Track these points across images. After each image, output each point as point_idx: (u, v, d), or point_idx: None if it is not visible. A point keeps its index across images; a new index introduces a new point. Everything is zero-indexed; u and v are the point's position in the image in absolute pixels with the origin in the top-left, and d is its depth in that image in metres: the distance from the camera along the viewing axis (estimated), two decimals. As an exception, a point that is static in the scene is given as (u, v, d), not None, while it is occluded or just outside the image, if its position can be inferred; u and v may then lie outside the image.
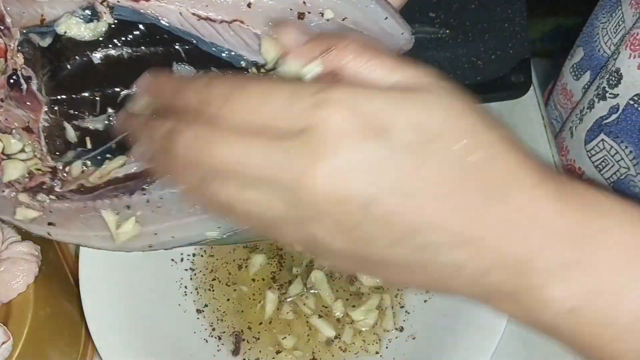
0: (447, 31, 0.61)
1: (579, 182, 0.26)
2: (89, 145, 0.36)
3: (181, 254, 0.48)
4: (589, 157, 0.57)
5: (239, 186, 0.25)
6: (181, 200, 0.36)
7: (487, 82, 0.60)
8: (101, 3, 0.35)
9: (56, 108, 0.36)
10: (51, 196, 0.37)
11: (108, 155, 0.37)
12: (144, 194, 0.37)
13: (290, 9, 0.34)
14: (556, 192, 0.25)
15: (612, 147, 0.54)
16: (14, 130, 0.37)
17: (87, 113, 0.36)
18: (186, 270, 0.48)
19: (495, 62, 0.60)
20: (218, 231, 0.37)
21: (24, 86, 0.36)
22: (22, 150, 0.37)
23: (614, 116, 0.52)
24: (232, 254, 0.48)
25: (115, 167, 0.37)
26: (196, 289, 0.47)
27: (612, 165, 0.55)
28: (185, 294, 0.47)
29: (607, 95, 0.52)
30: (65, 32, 0.35)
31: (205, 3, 0.35)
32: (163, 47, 0.36)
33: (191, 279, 0.47)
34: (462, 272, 0.25)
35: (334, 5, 0.35)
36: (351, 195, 0.23)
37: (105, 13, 0.35)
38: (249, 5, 0.35)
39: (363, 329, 0.46)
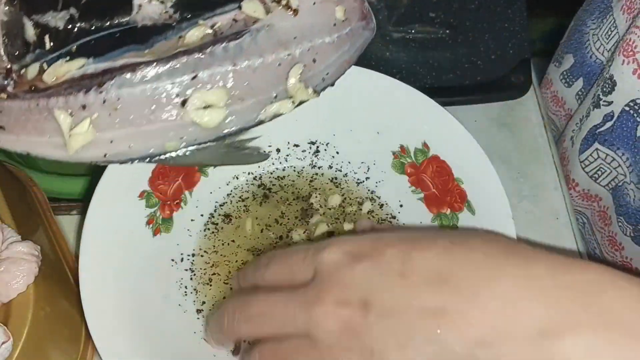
0: (447, 31, 0.61)
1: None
2: (47, 45, 0.35)
3: (181, 254, 0.48)
4: (583, 168, 0.57)
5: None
6: (140, 103, 0.34)
7: (487, 82, 0.60)
8: None
9: (16, 1, 0.34)
10: (2, 94, 0.35)
11: (67, 58, 0.35)
12: (101, 92, 0.34)
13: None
14: None
15: (607, 155, 0.54)
16: None
17: (48, 8, 0.34)
18: (186, 270, 0.48)
19: (495, 62, 0.60)
20: (179, 142, 0.35)
21: None
22: None
23: (608, 124, 0.52)
24: (234, 256, 0.48)
25: (73, 68, 0.34)
26: (195, 289, 0.47)
27: (610, 172, 0.55)
28: (185, 294, 0.47)
29: (601, 103, 0.52)
30: None
31: None
32: None
33: (191, 279, 0.47)
34: None
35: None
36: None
37: None
38: None
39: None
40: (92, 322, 0.41)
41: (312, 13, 0.37)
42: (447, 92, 0.58)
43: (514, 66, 0.60)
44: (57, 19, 0.35)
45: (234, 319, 0.36)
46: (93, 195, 0.43)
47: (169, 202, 0.47)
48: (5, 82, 0.35)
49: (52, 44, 0.35)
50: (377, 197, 0.52)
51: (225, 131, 0.36)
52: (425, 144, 0.49)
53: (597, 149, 0.54)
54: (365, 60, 0.49)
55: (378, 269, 0.31)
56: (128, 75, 0.34)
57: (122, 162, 0.36)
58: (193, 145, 0.35)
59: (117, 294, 0.43)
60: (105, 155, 0.35)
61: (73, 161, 0.35)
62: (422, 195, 0.50)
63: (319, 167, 0.52)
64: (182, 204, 0.49)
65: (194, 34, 0.35)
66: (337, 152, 0.52)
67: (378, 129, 0.50)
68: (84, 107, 0.34)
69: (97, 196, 0.43)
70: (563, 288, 0.28)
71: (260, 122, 0.37)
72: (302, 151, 0.52)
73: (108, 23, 0.35)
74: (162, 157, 0.36)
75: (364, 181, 0.52)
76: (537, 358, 0.27)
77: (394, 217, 0.51)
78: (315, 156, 0.52)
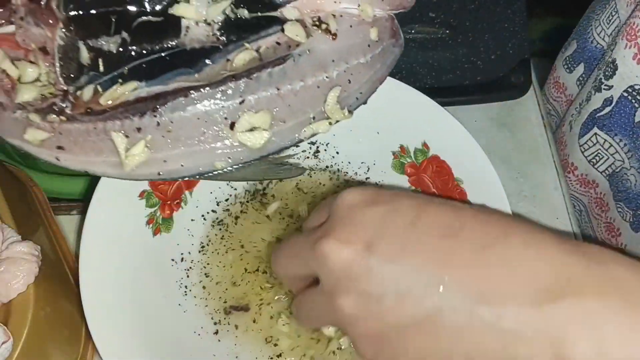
0: (447, 31, 0.61)
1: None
2: (101, 68, 0.36)
3: (181, 254, 0.48)
4: (582, 152, 0.57)
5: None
6: (192, 126, 0.36)
7: (487, 82, 0.60)
8: None
9: (72, 27, 0.35)
10: (62, 117, 0.36)
11: (120, 81, 0.36)
12: (155, 116, 0.36)
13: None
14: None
15: (605, 140, 0.54)
16: (30, 54, 0.36)
17: (101, 33, 0.36)
18: (186, 270, 0.48)
19: (495, 62, 0.60)
20: (227, 161, 0.37)
21: (47, 3, 0.35)
22: (37, 80, 0.36)
23: (607, 109, 0.52)
24: (240, 262, 0.48)
25: (126, 91, 0.36)
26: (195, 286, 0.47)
27: (607, 159, 0.55)
28: (186, 294, 0.47)
29: (602, 87, 0.52)
30: None
31: None
32: None
33: (188, 277, 0.47)
34: None
35: None
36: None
37: None
38: None
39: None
40: (92, 322, 0.41)
41: (348, 36, 0.38)
42: (447, 92, 0.58)
43: (514, 66, 0.60)
44: (110, 43, 0.36)
45: (274, 261, 0.37)
46: (93, 195, 0.43)
47: (169, 202, 0.47)
48: (64, 104, 0.36)
49: (105, 66, 0.36)
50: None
51: (268, 151, 0.37)
52: (425, 144, 0.49)
53: (596, 134, 0.54)
54: (365, 60, 0.49)
55: (391, 215, 0.30)
56: (181, 100, 0.35)
57: (174, 179, 0.38)
58: (239, 164, 0.37)
59: (117, 294, 0.43)
60: (159, 174, 0.37)
61: (129, 179, 0.37)
62: (422, 195, 0.50)
63: (319, 168, 0.52)
64: (182, 203, 0.49)
65: (242, 57, 0.36)
66: (337, 152, 0.52)
67: (378, 129, 0.50)
68: (139, 129, 0.36)
69: (97, 196, 0.43)
70: (568, 254, 0.28)
71: (300, 141, 0.39)
72: (303, 151, 0.52)
73: (158, 46, 0.36)
74: (210, 174, 0.38)
75: (364, 181, 0.52)
76: (537, 319, 0.27)
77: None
78: (315, 156, 0.52)
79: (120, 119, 0.36)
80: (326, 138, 0.51)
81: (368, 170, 0.52)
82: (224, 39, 0.36)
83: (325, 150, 0.52)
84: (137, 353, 0.42)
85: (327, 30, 0.37)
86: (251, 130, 0.36)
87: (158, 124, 0.36)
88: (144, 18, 0.36)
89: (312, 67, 0.37)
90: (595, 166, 0.57)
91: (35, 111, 0.36)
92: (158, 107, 0.36)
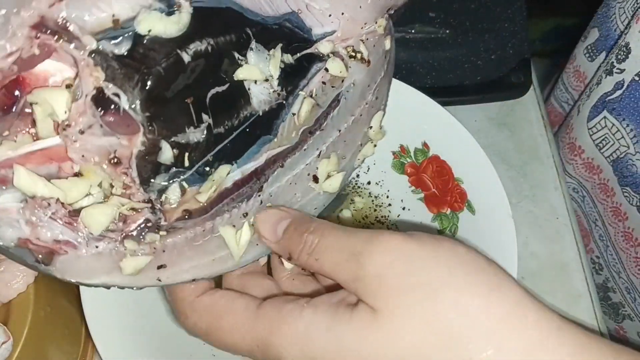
0: (447, 31, 0.61)
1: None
2: (186, 162, 0.31)
3: (181, 254, 0.48)
4: (590, 135, 0.57)
5: None
6: (287, 192, 0.34)
7: (487, 82, 0.60)
8: None
9: (152, 127, 0.30)
10: (162, 232, 0.31)
11: (207, 169, 0.32)
12: (259, 195, 0.34)
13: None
14: None
15: (613, 124, 0.54)
16: (93, 168, 0.30)
17: (187, 125, 0.31)
18: (186, 270, 0.48)
19: (495, 62, 0.60)
20: (315, 210, 0.36)
21: (119, 106, 0.29)
22: (105, 196, 0.30)
23: (618, 92, 0.52)
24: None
25: (221, 179, 0.32)
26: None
27: (612, 144, 0.55)
28: (185, 294, 0.47)
29: (614, 70, 0.52)
30: (149, 31, 0.29)
31: None
32: (236, 33, 0.32)
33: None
34: None
35: None
36: None
37: (185, 1, 0.29)
38: None
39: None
40: (92, 322, 0.41)
41: (374, 55, 0.38)
42: (447, 92, 0.58)
43: (514, 66, 0.60)
44: (196, 133, 0.31)
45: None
46: (93, 195, 0.43)
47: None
48: (157, 218, 0.31)
49: (190, 160, 0.31)
50: (377, 197, 0.52)
51: (340, 189, 0.37)
52: (425, 144, 0.49)
53: (605, 117, 0.54)
54: (365, 60, 0.49)
55: None
56: (279, 172, 0.34)
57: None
58: (322, 209, 0.36)
59: (117, 294, 0.43)
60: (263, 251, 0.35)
61: (239, 267, 0.34)
62: (422, 195, 0.50)
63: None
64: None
65: (304, 109, 0.35)
66: (337, 152, 0.52)
67: (378, 129, 0.50)
68: (245, 215, 0.33)
69: (97, 196, 0.43)
70: None
71: (354, 169, 0.39)
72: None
73: (237, 120, 0.33)
74: None
75: (364, 181, 0.52)
76: None
77: (395, 217, 0.51)
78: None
79: (229, 210, 0.33)
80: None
81: (368, 170, 0.52)
82: (284, 92, 0.34)
83: (325, 150, 0.52)
84: (137, 353, 0.42)
85: (362, 59, 0.37)
86: (329, 177, 0.36)
87: (261, 202, 0.34)
88: (212, 91, 0.31)
89: (357, 99, 0.37)
90: (602, 151, 0.56)
91: (125, 237, 0.30)
92: (263, 186, 0.34)
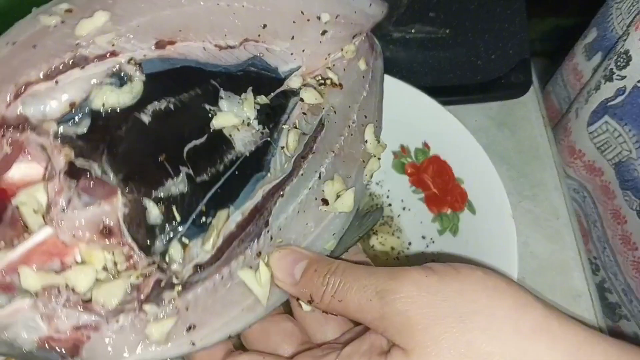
0: (447, 31, 0.61)
1: None
2: (177, 217, 0.31)
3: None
4: (591, 140, 0.57)
5: None
6: (298, 222, 0.34)
7: (487, 82, 0.60)
8: (128, 63, 0.32)
9: (129, 187, 0.30)
10: (177, 288, 0.31)
11: (203, 219, 0.32)
12: (268, 231, 0.34)
13: (294, 22, 0.37)
14: None
15: (615, 129, 0.54)
16: (93, 252, 0.30)
17: (164, 179, 0.31)
18: (187, 270, 0.47)
19: (495, 62, 0.61)
20: (333, 237, 0.35)
21: (90, 174, 0.30)
22: (110, 274, 0.30)
23: (619, 98, 0.52)
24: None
25: (223, 224, 0.32)
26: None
27: (615, 147, 0.55)
28: (186, 294, 0.47)
29: (615, 77, 0.52)
30: (103, 105, 0.31)
31: (224, 32, 0.35)
32: (200, 87, 0.34)
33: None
34: None
35: (327, 8, 0.38)
36: None
37: (135, 71, 0.32)
38: (264, 26, 0.36)
39: None
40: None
41: (347, 78, 0.39)
42: (447, 92, 0.58)
43: (514, 66, 0.60)
44: (177, 185, 0.31)
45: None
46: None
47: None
48: (169, 276, 0.31)
49: (181, 213, 0.31)
50: (377, 197, 0.52)
51: (355, 206, 0.37)
52: (425, 144, 0.49)
53: (606, 122, 0.54)
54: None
55: None
56: (280, 202, 0.34)
57: None
58: (341, 234, 0.36)
59: None
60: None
61: (268, 311, 0.33)
62: (422, 195, 0.50)
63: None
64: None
65: (292, 139, 0.35)
66: (338, 152, 0.52)
67: (378, 129, 0.50)
68: (259, 254, 0.33)
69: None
70: None
71: (365, 186, 0.39)
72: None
73: (222, 166, 0.33)
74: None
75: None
76: None
77: (395, 217, 0.51)
78: (316, 156, 0.52)
79: (242, 252, 0.33)
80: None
81: (368, 170, 0.52)
82: (267, 130, 0.35)
83: (325, 150, 0.52)
84: (138, 353, 0.42)
85: (333, 84, 0.39)
86: (339, 197, 0.36)
87: (271, 237, 0.34)
88: (189, 145, 0.32)
89: (341, 120, 0.38)
90: (604, 154, 0.56)
91: (144, 302, 0.30)
92: (268, 220, 0.33)
